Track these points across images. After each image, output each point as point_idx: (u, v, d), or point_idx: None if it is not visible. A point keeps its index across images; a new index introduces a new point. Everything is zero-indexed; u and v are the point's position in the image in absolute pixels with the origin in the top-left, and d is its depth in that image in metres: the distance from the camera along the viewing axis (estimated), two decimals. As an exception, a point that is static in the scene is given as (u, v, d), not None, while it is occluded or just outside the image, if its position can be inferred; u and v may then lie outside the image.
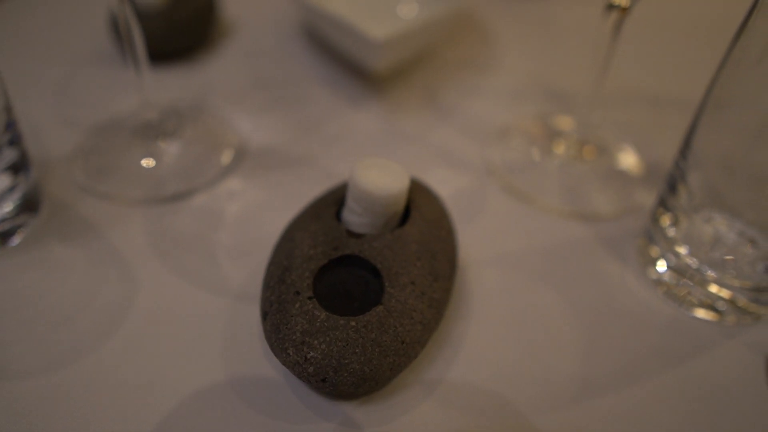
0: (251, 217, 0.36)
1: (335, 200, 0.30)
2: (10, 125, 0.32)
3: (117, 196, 0.36)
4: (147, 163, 0.38)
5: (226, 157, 0.39)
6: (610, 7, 0.35)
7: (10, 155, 0.32)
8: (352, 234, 0.28)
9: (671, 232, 0.33)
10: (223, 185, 0.38)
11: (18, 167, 0.33)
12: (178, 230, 0.35)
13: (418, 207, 0.29)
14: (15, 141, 0.32)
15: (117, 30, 0.47)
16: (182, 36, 0.48)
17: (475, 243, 0.35)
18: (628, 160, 0.42)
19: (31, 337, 0.29)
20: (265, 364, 0.28)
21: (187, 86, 0.46)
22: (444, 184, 0.39)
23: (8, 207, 0.33)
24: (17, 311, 0.30)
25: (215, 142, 0.41)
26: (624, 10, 0.35)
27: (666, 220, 0.33)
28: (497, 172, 0.40)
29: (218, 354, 0.28)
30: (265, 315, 0.26)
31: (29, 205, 0.34)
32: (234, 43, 0.52)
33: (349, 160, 0.40)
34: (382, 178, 0.27)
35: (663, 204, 0.33)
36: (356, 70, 0.49)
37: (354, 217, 0.28)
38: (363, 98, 0.46)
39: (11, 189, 0.32)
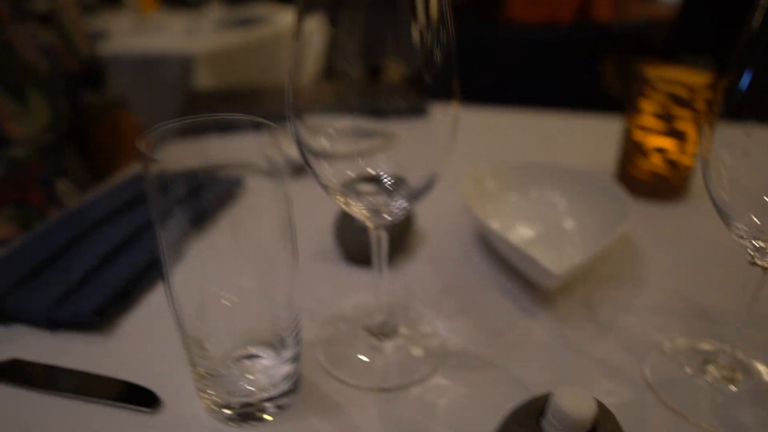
0: (458, 411, 0.46)
1: (534, 411, 0.39)
2: (297, 332, 0.45)
3: (351, 383, 0.48)
4: (372, 357, 0.50)
5: (433, 357, 0.51)
6: (753, 264, 0.44)
7: (294, 350, 0.45)
8: (553, 445, 0.37)
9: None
10: (432, 381, 0.48)
11: (296, 358, 0.45)
12: (402, 417, 0.45)
13: (602, 426, 0.38)
14: (298, 338, 0.45)
15: (339, 235, 0.62)
16: (392, 246, 0.62)
17: (640, 453, 0.43)
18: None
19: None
20: None
21: (392, 289, 0.59)
22: (606, 397, 0.47)
23: (284, 388, 0.45)
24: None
25: (422, 342, 0.52)
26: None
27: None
28: (653, 387, 0.48)
29: None
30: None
31: (295, 385, 0.46)
32: (425, 250, 0.65)
33: (529, 367, 0.50)
34: (577, 404, 0.37)
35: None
36: (527, 281, 0.60)
37: (553, 430, 0.37)
38: (533, 308, 0.57)
39: (290, 376, 0.45)
